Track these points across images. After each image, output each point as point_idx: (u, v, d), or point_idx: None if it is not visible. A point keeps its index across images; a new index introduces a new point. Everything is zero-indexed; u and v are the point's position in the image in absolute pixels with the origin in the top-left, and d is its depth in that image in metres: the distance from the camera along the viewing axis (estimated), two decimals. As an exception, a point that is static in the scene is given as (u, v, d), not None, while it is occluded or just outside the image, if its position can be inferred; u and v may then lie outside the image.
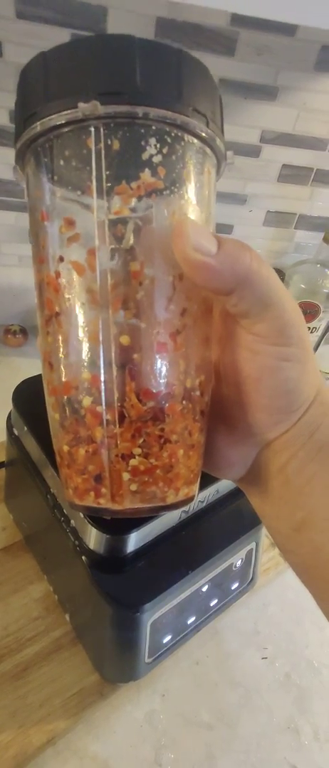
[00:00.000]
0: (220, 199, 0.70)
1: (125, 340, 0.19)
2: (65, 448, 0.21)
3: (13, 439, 0.42)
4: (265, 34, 0.56)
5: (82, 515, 0.34)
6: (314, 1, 0.47)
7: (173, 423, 0.20)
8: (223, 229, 0.72)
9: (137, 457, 0.19)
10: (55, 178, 0.19)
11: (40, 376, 0.48)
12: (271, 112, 0.62)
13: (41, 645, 0.42)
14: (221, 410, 0.23)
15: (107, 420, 0.19)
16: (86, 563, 0.34)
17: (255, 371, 0.21)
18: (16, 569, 0.46)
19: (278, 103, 0.61)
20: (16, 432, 0.42)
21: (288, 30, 0.56)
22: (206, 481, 0.38)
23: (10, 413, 0.44)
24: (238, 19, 0.54)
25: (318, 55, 0.58)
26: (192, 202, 0.20)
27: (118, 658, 0.38)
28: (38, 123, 0.18)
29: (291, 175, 0.69)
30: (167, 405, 0.20)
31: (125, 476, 0.20)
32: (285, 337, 0.20)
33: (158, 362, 0.19)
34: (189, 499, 0.22)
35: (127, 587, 0.34)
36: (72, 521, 0.36)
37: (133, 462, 0.19)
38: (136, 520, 0.33)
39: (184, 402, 0.20)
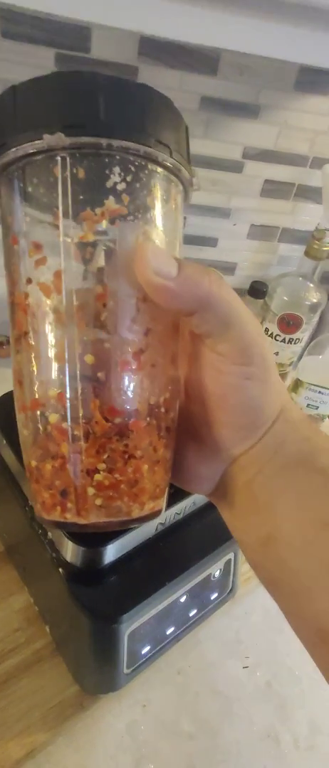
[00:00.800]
0: (205, 212, 0.71)
1: (89, 359, 0.20)
2: (33, 463, 0.21)
3: (-7, 451, 0.43)
4: (246, 55, 0.57)
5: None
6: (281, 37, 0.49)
7: (138, 439, 0.20)
8: (208, 241, 0.73)
9: (101, 472, 0.20)
10: (26, 203, 0.20)
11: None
12: (253, 129, 0.63)
13: (22, 657, 0.42)
14: (190, 427, 0.24)
15: (73, 436, 0.20)
16: (63, 575, 0.35)
17: (219, 389, 0.22)
18: (-2, 580, 0.46)
19: (260, 120, 0.63)
20: (-5, 445, 0.43)
21: (268, 51, 0.57)
22: (183, 493, 0.38)
23: (-10, 426, 0.44)
24: (220, 40, 0.56)
25: (297, 76, 0.60)
26: (157, 227, 0.20)
27: (97, 669, 0.38)
28: (9, 151, 0.19)
29: (274, 189, 0.70)
30: (131, 421, 0.20)
31: (90, 491, 0.20)
32: (246, 356, 0.21)
33: (122, 380, 0.20)
34: (155, 513, 0.22)
35: (104, 599, 0.34)
36: (49, 534, 0.36)
37: (98, 477, 0.20)
38: (111, 533, 0.34)
39: (148, 419, 0.21)
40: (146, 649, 0.39)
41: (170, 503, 0.38)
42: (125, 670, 0.38)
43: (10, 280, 0.21)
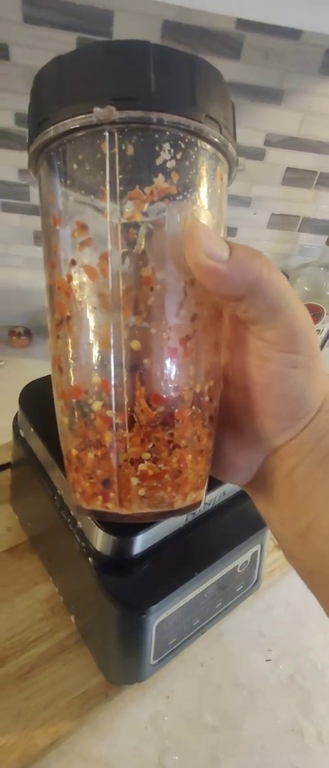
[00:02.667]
0: (224, 201, 0.70)
1: (135, 344, 0.19)
2: (74, 452, 0.21)
3: (20, 440, 0.42)
4: (270, 38, 0.56)
5: (89, 516, 0.34)
6: (318, 8, 0.47)
7: (183, 428, 0.20)
8: (227, 231, 0.72)
9: (145, 461, 0.19)
10: (68, 182, 0.19)
11: (46, 378, 0.48)
12: (276, 116, 0.62)
13: (46, 646, 0.42)
14: (229, 415, 0.23)
15: (117, 424, 0.19)
16: (92, 565, 0.34)
17: (263, 377, 0.21)
18: (21, 570, 0.46)
19: (283, 106, 0.61)
20: (22, 433, 0.42)
21: (293, 34, 0.56)
22: (213, 483, 0.38)
23: (16, 415, 0.44)
24: (243, 23, 0.55)
25: (323, 58, 0.58)
26: (204, 207, 0.20)
27: (123, 659, 0.38)
28: (52, 128, 0.18)
29: (295, 178, 0.69)
30: (176, 410, 0.20)
31: (134, 481, 0.20)
32: (294, 344, 0.20)
33: (168, 367, 0.19)
34: (196, 505, 0.22)
35: (133, 589, 0.34)
36: (79, 523, 0.36)
37: (142, 467, 0.19)
38: (143, 523, 0.33)
39: (193, 407, 0.20)
40: (173, 640, 0.38)
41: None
42: (152, 661, 0.38)
43: (49, 262, 0.21)
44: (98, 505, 0.20)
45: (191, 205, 0.19)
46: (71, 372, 0.20)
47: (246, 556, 0.41)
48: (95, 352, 0.19)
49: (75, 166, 0.19)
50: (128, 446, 0.19)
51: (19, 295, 0.72)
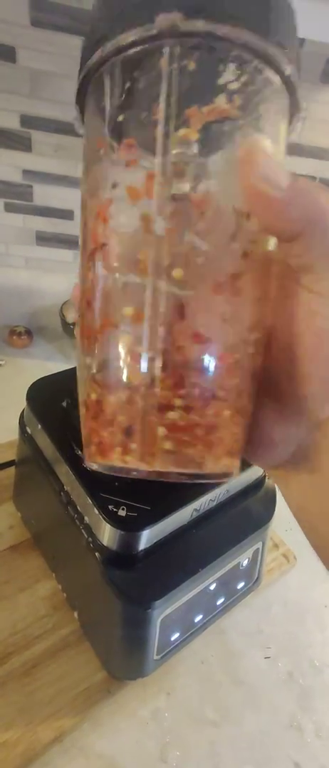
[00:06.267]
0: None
1: (177, 273, 0.17)
2: (93, 395, 0.18)
3: (26, 437, 0.43)
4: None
5: (97, 510, 0.34)
6: (319, 16, 0.49)
7: (223, 376, 0.18)
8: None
9: (176, 409, 0.17)
10: (119, 101, 0.18)
11: (53, 376, 0.49)
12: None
13: (49, 643, 0.42)
14: (268, 381, 0.20)
15: (148, 362, 0.17)
16: (99, 559, 0.35)
17: (312, 336, 0.18)
18: (24, 567, 0.46)
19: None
20: (29, 430, 0.43)
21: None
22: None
23: (22, 412, 0.44)
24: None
25: (324, 66, 0.59)
26: (266, 139, 0.18)
27: (127, 654, 0.38)
28: (109, 43, 0.17)
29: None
30: (218, 354, 0.17)
31: (161, 431, 0.17)
32: None
33: (213, 304, 0.17)
34: (227, 475, 0.19)
35: (139, 583, 0.34)
36: (86, 518, 0.36)
37: (171, 415, 0.17)
38: (151, 516, 0.33)
39: (236, 356, 0.18)
40: (176, 636, 0.39)
41: (204, 489, 0.38)
42: (155, 656, 0.38)
43: (88, 193, 0.19)
44: (115, 458, 0.18)
45: (253, 132, 0.17)
46: (101, 304, 0.18)
47: (248, 554, 0.41)
48: (130, 281, 0.17)
49: (128, 85, 0.17)
50: (158, 389, 0.17)
51: (20, 294, 0.72)
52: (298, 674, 0.47)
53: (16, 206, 0.64)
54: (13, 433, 0.47)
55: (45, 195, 0.65)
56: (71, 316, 0.71)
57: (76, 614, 0.43)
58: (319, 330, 0.18)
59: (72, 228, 0.68)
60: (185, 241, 0.17)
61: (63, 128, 0.60)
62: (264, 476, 0.44)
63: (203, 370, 0.17)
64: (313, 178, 0.70)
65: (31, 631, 0.42)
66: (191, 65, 0.16)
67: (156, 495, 0.36)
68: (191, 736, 0.41)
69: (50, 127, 0.60)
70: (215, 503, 0.39)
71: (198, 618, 0.41)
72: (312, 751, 0.42)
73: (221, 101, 0.17)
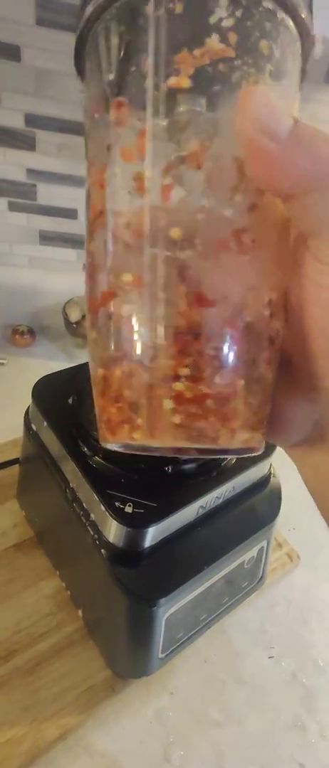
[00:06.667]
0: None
1: (175, 233, 0.15)
2: (100, 371, 0.18)
3: (31, 434, 0.43)
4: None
5: (103, 507, 0.34)
6: (324, 15, 0.49)
7: (233, 341, 0.16)
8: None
9: (182, 379, 0.16)
10: (109, 62, 0.17)
11: (58, 373, 0.49)
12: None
13: (53, 641, 0.42)
14: (282, 356, 0.19)
15: (149, 329, 0.16)
16: (104, 556, 0.35)
17: (320, 309, 0.16)
18: (28, 566, 0.46)
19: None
20: (34, 427, 0.43)
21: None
22: (224, 477, 0.39)
23: (28, 409, 0.44)
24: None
25: None
26: (270, 79, 0.16)
27: (132, 652, 0.38)
28: (91, 3, 0.16)
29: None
30: (224, 317, 0.16)
31: (167, 404, 0.16)
32: None
33: (217, 261, 0.16)
34: (251, 449, 0.17)
35: (145, 581, 0.34)
36: (91, 515, 0.36)
37: (178, 386, 0.16)
38: (157, 513, 0.33)
39: (248, 319, 0.16)
40: (180, 634, 0.39)
41: (210, 487, 0.38)
42: (160, 655, 0.38)
43: (90, 162, 0.18)
44: (123, 435, 0.17)
45: (254, 73, 0.16)
46: (101, 276, 0.17)
47: (253, 552, 0.41)
48: (128, 245, 0.16)
49: (116, 41, 0.16)
50: (161, 358, 0.16)
51: (23, 294, 0.72)
52: (302, 674, 0.46)
53: (20, 205, 0.64)
54: (15, 432, 0.47)
55: (49, 194, 0.65)
56: (74, 315, 0.71)
57: (80, 612, 0.43)
58: (327, 303, 0.16)
59: (76, 227, 0.69)
60: (182, 198, 0.16)
61: (67, 127, 0.60)
62: (270, 474, 0.44)
63: (209, 335, 0.16)
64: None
65: (35, 630, 0.42)
66: (179, 7, 0.15)
67: (162, 492, 0.36)
68: (194, 735, 0.41)
69: (55, 127, 0.60)
70: (221, 500, 0.39)
71: (203, 616, 0.41)
72: (316, 751, 0.42)
73: (213, 41, 0.15)
